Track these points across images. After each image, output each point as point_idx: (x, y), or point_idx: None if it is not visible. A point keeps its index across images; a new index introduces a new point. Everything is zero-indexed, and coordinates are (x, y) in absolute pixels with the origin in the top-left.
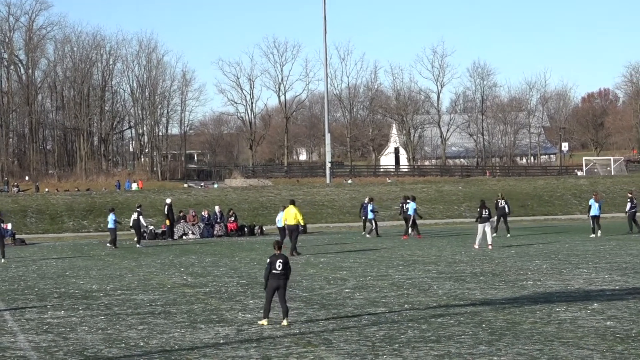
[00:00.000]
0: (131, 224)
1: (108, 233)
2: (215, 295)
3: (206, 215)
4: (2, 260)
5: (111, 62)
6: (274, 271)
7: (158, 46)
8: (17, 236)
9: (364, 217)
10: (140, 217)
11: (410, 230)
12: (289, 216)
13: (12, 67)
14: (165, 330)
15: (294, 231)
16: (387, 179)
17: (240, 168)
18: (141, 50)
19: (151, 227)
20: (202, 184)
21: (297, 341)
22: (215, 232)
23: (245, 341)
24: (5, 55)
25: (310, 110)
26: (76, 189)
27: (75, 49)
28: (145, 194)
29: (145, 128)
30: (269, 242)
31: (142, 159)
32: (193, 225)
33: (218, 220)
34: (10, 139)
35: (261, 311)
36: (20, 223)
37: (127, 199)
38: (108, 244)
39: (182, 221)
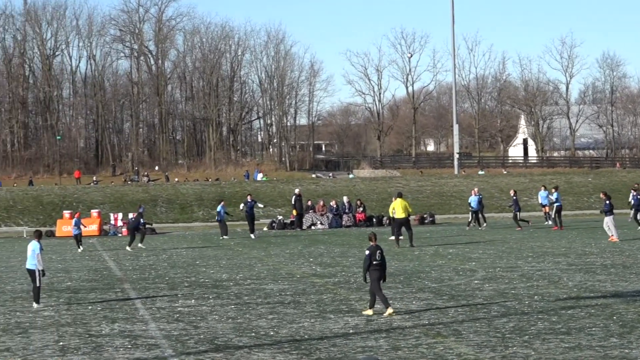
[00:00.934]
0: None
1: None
2: (344, 285)
3: (334, 206)
4: (139, 245)
5: (240, 53)
6: (374, 262)
7: (286, 37)
8: (147, 226)
9: (515, 210)
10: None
11: (555, 220)
12: (398, 209)
13: (142, 58)
14: (295, 319)
15: (404, 224)
16: (503, 170)
17: (368, 159)
18: (269, 41)
19: (280, 217)
20: (331, 174)
21: (426, 332)
22: (343, 223)
23: (375, 331)
24: (136, 47)
25: (437, 101)
26: (205, 179)
27: (204, 39)
28: (274, 184)
29: (273, 118)
30: None
31: (271, 149)
32: (321, 215)
33: (346, 210)
34: (141, 129)
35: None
36: (151, 212)
37: (256, 189)
38: (222, 237)
39: (310, 211)
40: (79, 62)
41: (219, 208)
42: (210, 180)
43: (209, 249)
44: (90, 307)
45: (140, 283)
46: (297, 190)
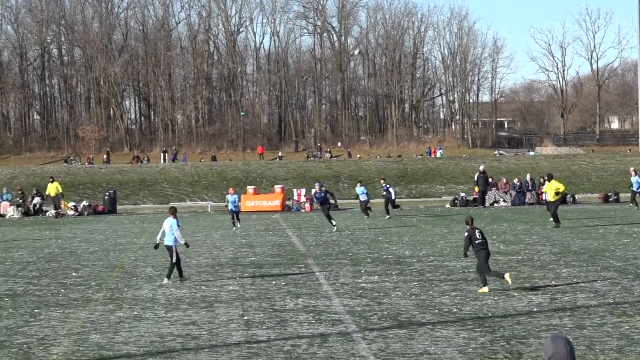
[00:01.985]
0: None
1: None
2: (527, 263)
3: (518, 183)
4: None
5: (422, 30)
6: (476, 242)
7: (469, 14)
8: (330, 201)
9: None
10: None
11: None
12: (549, 190)
13: (325, 34)
14: (478, 297)
15: (552, 203)
16: (629, 149)
17: (551, 136)
18: (452, 18)
19: (462, 194)
20: (515, 152)
21: (611, 311)
22: (526, 200)
23: (559, 310)
24: (319, 23)
25: (622, 79)
26: (387, 155)
27: (387, 16)
28: (456, 161)
29: (455, 95)
30: (581, 212)
31: (453, 126)
32: (504, 192)
33: (529, 188)
34: (323, 106)
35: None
36: (333, 188)
37: (438, 166)
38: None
39: (493, 189)
40: (263, 38)
41: (363, 189)
42: (392, 156)
43: (392, 225)
44: (274, 282)
45: (323, 259)
46: (481, 167)
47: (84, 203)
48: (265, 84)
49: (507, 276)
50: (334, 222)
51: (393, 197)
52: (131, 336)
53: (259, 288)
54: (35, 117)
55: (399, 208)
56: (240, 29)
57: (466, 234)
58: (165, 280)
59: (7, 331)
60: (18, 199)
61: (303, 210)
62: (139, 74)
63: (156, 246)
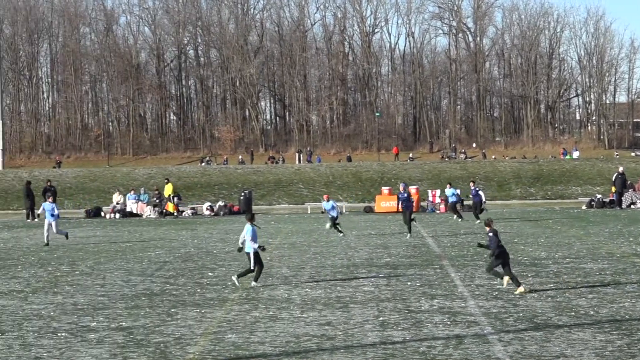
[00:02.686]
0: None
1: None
2: None
3: None
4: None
5: (558, 30)
6: (500, 243)
7: (606, 14)
8: (464, 202)
9: None
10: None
11: None
12: None
13: (460, 35)
14: (615, 299)
15: None
16: None
17: None
18: (589, 18)
19: (599, 196)
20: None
21: None
22: None
23: None
24: (454, 23)
25: None
26: (522, 156)
27: (522, 16)
28: (592, 162)
29: (592, 96)
30: None
31: (589, 127)
32: None
33: None
34: (458, 106)
35: None
36: (468, 190)
37: (574, 167)
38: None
39: (630, 190)
40: (398, 39)
41: (453, 190)
42: (527, 157)
43: (527, 226)
44: (409, 283)
45: (458, 260)
46: (620, 169)
47: (220, 203)
48: (400, 85)
49: (505, 280)
50: (411, 230)
51: (483, 200)
52: (267, 336)
53: (394, 289)
54: (171, 117)
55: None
56: (376, 30)
57: (491, 234)
58: (253, 283)
59: (144, 330)
60: (155, 199)
61: (438, 211)
62: (275, 75)
63: (239, 249)
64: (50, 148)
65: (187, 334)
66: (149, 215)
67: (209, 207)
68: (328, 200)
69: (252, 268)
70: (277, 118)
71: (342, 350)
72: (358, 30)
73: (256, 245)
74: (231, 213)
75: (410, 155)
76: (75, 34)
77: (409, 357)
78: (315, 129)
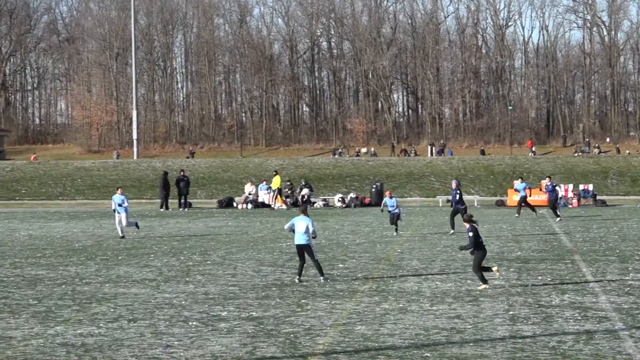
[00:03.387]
0: None
1: None
2: None
3: None
4: (557, 220)
5: None
6: (480, 240)
7: None
8: (597, 197)
9: None
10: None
11: None
12: None
13: (594, 28)
14: None
15: None
16: None
17: None
18: None
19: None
20: None
21: None
22: None
23: None
24: (589, 17)
25: None
26: None
27: None
28: None
29: None
30: None
31: None
32: None
33: None
34: (592, 100)
35: None
36: (601, 184)
37: None
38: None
39: None
40: (531, 32)
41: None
42: None
43: None
44: (539, 278)
45: (590, 255)
46: None
47: (351, 195)
48: (534, 78)
49: (495, 269)
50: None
51: (560, 196)
52: (396, 328)
53: (524, 283)
54: (304, 109)
55: (533, 211)
56: (509, 23)
57: (471, 234)
58: (322, 280)
59: (275, 320)
60: (287, 189)
61: (570, 206)
62: (407, 67)
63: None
64: (183, 138)
65: (316, 324)
66: (281, 206)
67: (340, 199)
68: (391, 197)
69: (315, 259)
70: (410, 110)
71: (471, 344)
72: (491, 23)
73: (314, 235)
74: (362, 205)
75: (533, 149)
76: (210, 24)
77: (539, 351)
78: (447, 122)
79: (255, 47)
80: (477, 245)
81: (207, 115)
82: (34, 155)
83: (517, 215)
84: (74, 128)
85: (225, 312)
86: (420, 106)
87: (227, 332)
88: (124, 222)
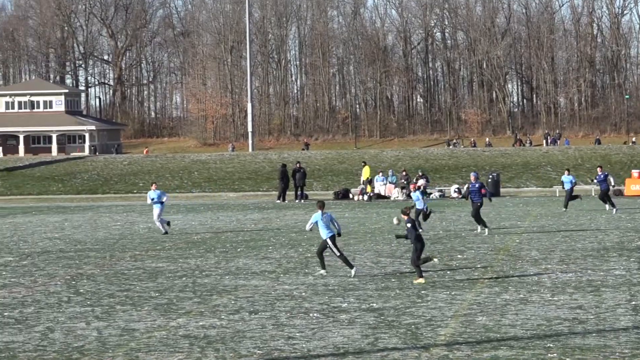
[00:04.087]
0: None
1: None
2: None
3: None
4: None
5: None
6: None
7: None
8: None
9: None
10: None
11: None
12: None
13: None
14: None
15: None
16: None
17: None
18: None
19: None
20: None
21: None
22: None
23: None
24: None
25: None
26: None
27: None
28: None
29: None
30: None
31: None
32: None
33: None
34: None
35: None
36: None
37: None
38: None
39: None
40: None
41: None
42: None
43: None
44: None
45: None
46: None
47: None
48: None
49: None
50: (481, 226)
51: (612, 185)
52: (518, 319)
53: None
54: (418, 100)
55: (577, 199)
56: (624, 11)
57: (409, 224)
58: (353, 272)
59: (395, 311)
60: (403, 180)
61: None
62: (522, 57)
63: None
64: (298, 130)
65: (437, 315)
66: (397, 197)
67: (456, 190)
68: (415, 191)
69: (338, 254)
70: (524, 100)
71: (594, 334)
72: (607, 11)
73: (336, 230)
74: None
75: (634, 138)
76: (323, 16)
77: None
78: (562, 111)
79: (369, 39)
80: (416, 237)
81: (322, 107)
82: (146, 149)
83: (564, 209)
84: (189, 121)
85: (346, 304)
86: (535, 96)
87: (349, 324)
88: (155, 217)
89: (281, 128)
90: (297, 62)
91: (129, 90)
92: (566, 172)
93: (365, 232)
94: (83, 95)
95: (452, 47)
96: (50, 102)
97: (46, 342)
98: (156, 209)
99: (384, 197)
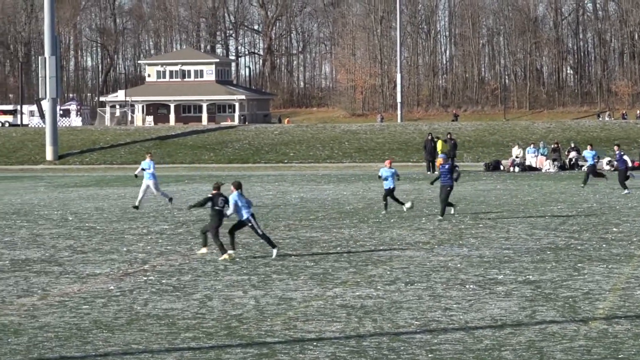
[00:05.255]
0: None
1: None
2: None
3: None
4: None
5: None
6: (216, 208)
7: None
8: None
9: None
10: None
11: None
12: None
13: None
14: None
15: None
16: None
17: None
18: None
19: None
20: None
21: None
22: None
23: None
24: None
25: None
26: None
27: None
28: None
29: None
30: None
31: None
32: None
33: None
34: None
35: None
36: None
37: None
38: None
39: None
40: None
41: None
42: None
43: None
44: None
45: None
46: None
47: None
48: None
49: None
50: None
51: (629, 165)
52: None
53: None
54: (568, 71)
55: (603, 177)
56: None
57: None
58: (275, 252)
59: (552, 284)
60: (554, 152)
61: None
62: None
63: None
64: (447, 101)
65: (595, 289)
66: (549, 169)
67: (608, 162)
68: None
69: (260, 233)
70: None
71: None
72: None
73: (229, 213)
74: (633, 168)
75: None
76: None
77: None
78: None
79: (520, 10)
80: (219, 213)
81: (471, 79)
82: (288, 119)
83: (582, 185)
84: (338, 91)
85: (502, 276)
86: None
87: (505, 296)
88: (153, 189)
89: (430, 99)
90: (447, 33)
91: (278, 60)
92: (589, 147)
93: (518, 204)
94: (233, 64)
95: (603, 19)
96: (201, 71)
97: (204, 310)
98: (149, 180)
99: (535, 169)
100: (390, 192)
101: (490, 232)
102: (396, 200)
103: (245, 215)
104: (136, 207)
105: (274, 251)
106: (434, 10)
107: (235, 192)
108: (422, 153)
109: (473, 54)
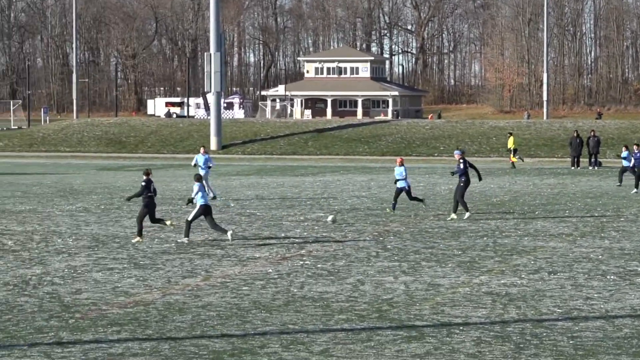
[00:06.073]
0: None
1: None
2: None
3: None
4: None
5: None
6: (149, 194)
7: None
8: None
9: None
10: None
11: None
12: None
13: None
14: None
15: None
16: None
17: None
18: None
19: None
20: None
21: None
22: None
23: None
24: None
25: None
26: None
27: None
28: None
29: None
30: None
31: None
32: None
33: None
34: None
35: None
36: None
37: None
38: None
39: None
40: None
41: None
42: None
43: None
44: None
45: None
46: None
47: None
48: None
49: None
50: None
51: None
52: None
53: None
54: None
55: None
56: None
57: (143, 184)
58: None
59: None
60: None
61: None
62: None
63: (190, 200)
64: (591, 100)
65: None
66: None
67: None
68: (625, 150)
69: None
70: None
71: None
72: None
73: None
74: None
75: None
76: None
77: None
78: None
79: None
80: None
81: (615, 79)
82: (431, 115)
83: (618, 184)
84: (487, 89)
85: None
86: None
87: None
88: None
89: (575, 98)
90: (592, 35)
91: (430, 59)
92: (624, 148)
93: None
94: (387, 62)
95: None
96: (357, 68)
97: (357, 294)
98: (202, 171)
99: None
100: (401, 192)
101: (631, 226)
102: (415, 198)
103: (204, 202)
104: (214, 198)
105: (228, 234)
106: (580, 13)
107: (197, 184)
108: (567, 149)
109: (617, 55)
